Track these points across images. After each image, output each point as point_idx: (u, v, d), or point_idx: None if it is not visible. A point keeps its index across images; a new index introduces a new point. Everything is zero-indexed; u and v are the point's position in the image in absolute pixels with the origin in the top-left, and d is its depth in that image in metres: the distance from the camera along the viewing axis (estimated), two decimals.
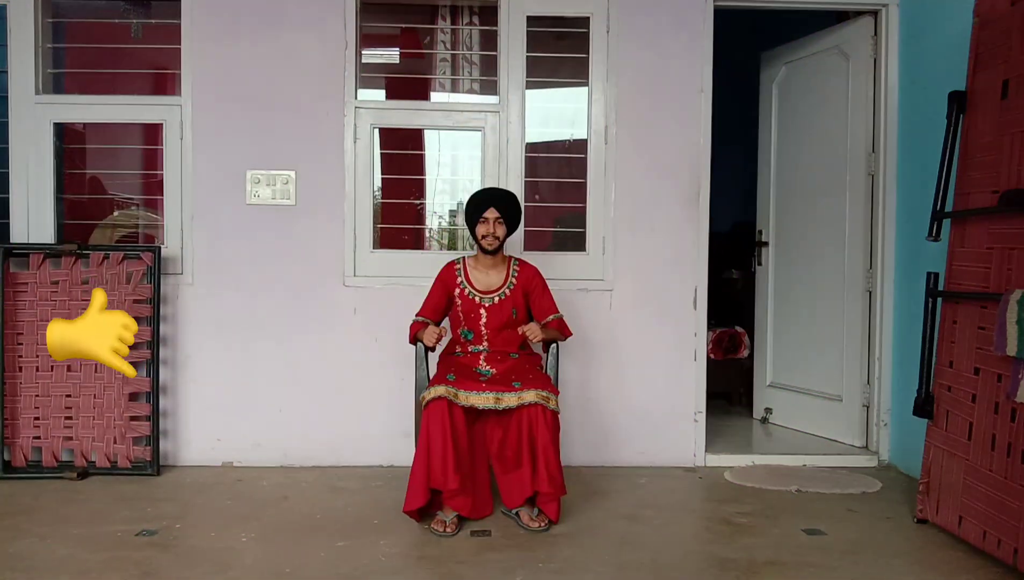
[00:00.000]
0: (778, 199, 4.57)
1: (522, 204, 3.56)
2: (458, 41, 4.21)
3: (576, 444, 3.81)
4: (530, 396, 2.98)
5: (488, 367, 3.24)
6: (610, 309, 3.87)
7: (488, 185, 3.80)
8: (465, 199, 3.91)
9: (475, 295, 3.29)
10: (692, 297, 3.88)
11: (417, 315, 3.32)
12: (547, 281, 3.38)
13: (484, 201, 3.26)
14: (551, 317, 3.31)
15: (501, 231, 3.24)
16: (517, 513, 3.00)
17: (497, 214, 3.22)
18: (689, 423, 3.89)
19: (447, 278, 3.34)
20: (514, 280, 3.32)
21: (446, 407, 2.93)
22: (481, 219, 3.23)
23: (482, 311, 3.28)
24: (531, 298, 3.34)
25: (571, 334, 3.41)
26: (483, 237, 3.23)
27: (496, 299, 3.28)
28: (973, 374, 2.84)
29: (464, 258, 3.38)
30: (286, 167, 3.80)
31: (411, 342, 3.30)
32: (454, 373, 3.10)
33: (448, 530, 2.89)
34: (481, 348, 3.28)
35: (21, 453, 3.61)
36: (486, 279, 3.32)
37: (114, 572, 2.52)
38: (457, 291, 3.31)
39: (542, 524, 2.94)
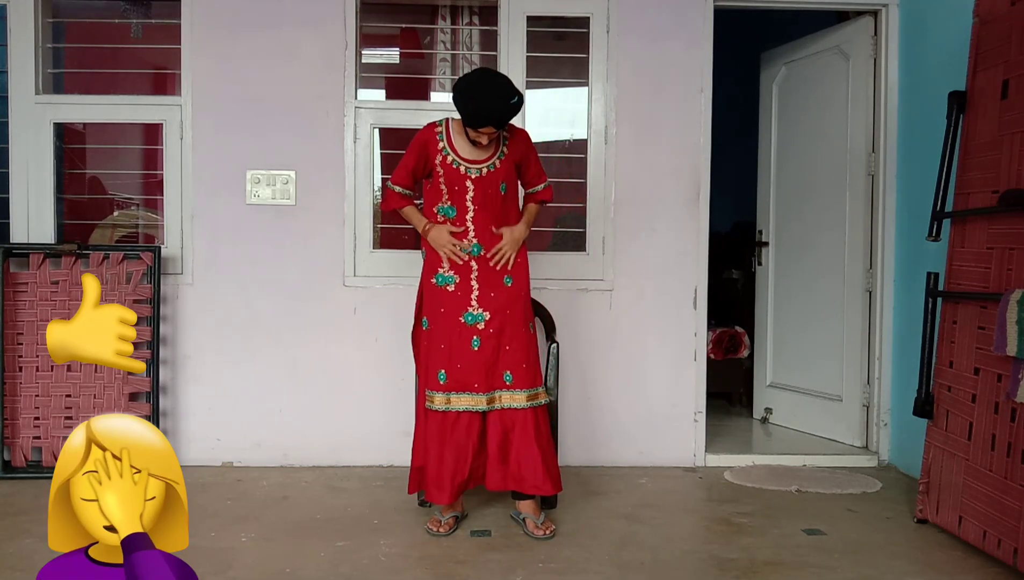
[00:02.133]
0: (778, 199, 4.57)
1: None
2: (458, 41, 4.21)
3: (576, 444, 3.81)
4: (520, 399, 2.85)
5: (480, 310, 2.87)
6: (610, 309, 3.87)
7: None
8: None
9: (460, 164, 2.84)
10: (692, 297, 3.88)
11: (392, 182, 2.92)
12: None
13: (481, 118, 2.71)
14: (539, 187, 3.02)
15: (492, 138, 2.82)
16: (524, 520, 2.89)
17: (493, 131, 2.76)
18: (689, 423, 3.89)
19: (428, 141, 2.87)
20: (505, 149, 2.90)
21: (444, 420, 2.86)
22: (474, 131, 2.78)
23: (468, 184, 2.85)
24: (521, 169, 2.97)
25: (551, 198, 3.08)
26: (473, 142, 2.82)
27: (484, 171, 2.85)
28: (973, 374, 2.84)
29: (448, 120, 2.93)
30: (286, 167, 3.80)
31: (385, 208, 2.99)
32: (445, 358, 2.85)
33: (443, 530, 2.87)
34: (467, 246, 2.87)
35: (21, 453, 3.61)
36: (473, 147, 2.85)
37: None
38: (439, 159, 2.86)
39: (547, 531, 2.84)
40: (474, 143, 2.82)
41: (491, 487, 2.88)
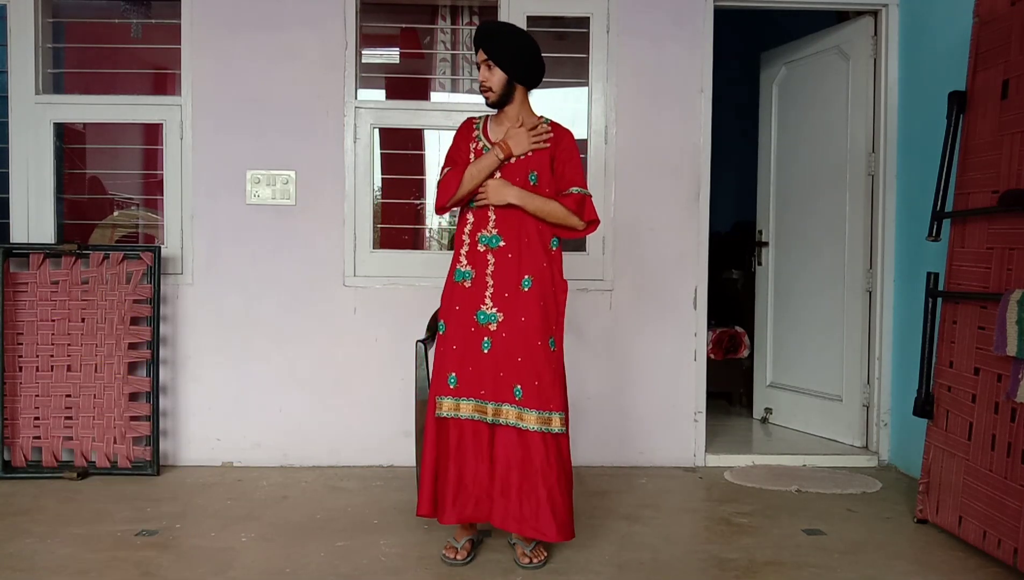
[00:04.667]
0: (778, 199, 4.57)
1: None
2: (458, 41, 4.21)
3: (577, 444, 3.78)
4: (530, 420, 2.56)
5: (494, 309, 2.64)
6: (610, 309, 3.87)
7: None
8: None
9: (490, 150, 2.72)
10: (692, 297, 3.88)
11: (444, 167, 2.78)
12: None
13: (474, 40, 2.67)
14: (571, 190, 2.67)
15: (497, 79, 2.64)
16: (514, 545, 2.68)
17: (485, 56, 2.63)
18: (689, 423, 3.89)
19: (465, 132, 2.80)
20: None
21: (451, 427, 2.65)
22: (477, 64, 2.67)
23: (496, 172, 2.68)
24: (555, 164, 2.71)
25: (592, 223, 2.69)
26: (480, 86, 2.70)
27: (513, 158, 2.68)
28: (973, 374, 2.84)
29: (488, 116, 2.83)
30: (286, 167, 3.80)
31: (440, 208, 2.74)
32: (457, 360, 2.66)
33: (459, 557, 2.64)
34: (487, 236, 2.67)
35: (21, 453, 3.61)
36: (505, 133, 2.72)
37: (114, 572, 2.52)
38: (472, 146, 2.75)
39: (537, 560, 2.59)
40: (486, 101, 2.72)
41: (496, 523, 2.61)
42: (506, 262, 2.65)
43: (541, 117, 2.77)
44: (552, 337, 2.65)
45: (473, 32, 2.80)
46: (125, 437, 3.63)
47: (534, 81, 2.73)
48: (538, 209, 2.65)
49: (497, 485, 2.59)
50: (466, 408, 2.63)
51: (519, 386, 2.59)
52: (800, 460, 3.91)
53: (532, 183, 2.67)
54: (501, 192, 2.65)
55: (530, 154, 2.67)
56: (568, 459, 2.65)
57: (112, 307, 3.65)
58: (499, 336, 2.63)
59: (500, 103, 2.68)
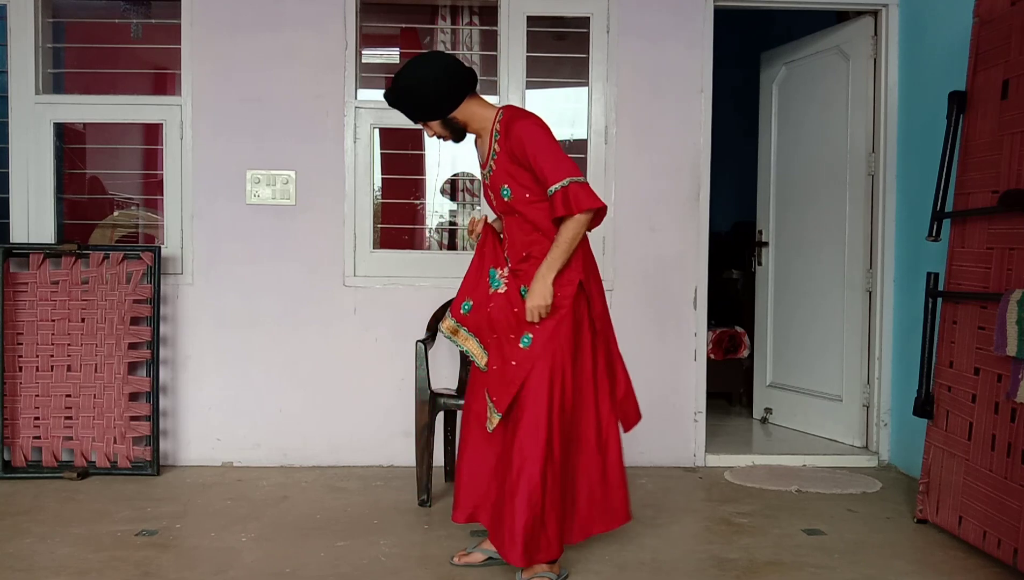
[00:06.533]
0: (778, 199, 4.57)
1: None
2: (458, 41, 4.21)
3: None
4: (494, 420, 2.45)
5: (467, 298, 2.61)
6: (610, 309, 3.85)
7: None
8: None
9: (480, 172, 2.60)
10: (692, 297, 3.88)
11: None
12: None
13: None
14: (549, 193, 2.34)
15: (436, 128, 2.47)
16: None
17: (412, 122, 2.52)
18: (689, 423, 3.89)
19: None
20: (497, 146, 2.43)
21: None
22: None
23: (489, 192, 2.55)
24: (528, 168, 2.38)
25: (587, 211, 2.35)
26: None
27: (488, 175, 2.51)
28: (973, 374, 2.84)
29: None
30: (286, 167, 3.80)
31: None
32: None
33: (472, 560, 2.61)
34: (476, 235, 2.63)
35: (21, 453, 3.61)
36: (482, 148, 2.54)
37: (114, 572, 2.52)
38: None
39: None
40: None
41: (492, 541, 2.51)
42: (484, 255, 2.58)
43: (498, 111, 2.47)
44: (528, 333, 2.41)
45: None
46: (125, 437, 3.63)
47: (466, 91, 2.43)
48: (567, 253, 2.43)
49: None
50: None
51: (487, 387, 2.48)
52: (800, 460, 3.91)
53: (506, 198, 2.44)
54: (538, 300, 2.39)
55: (494, 168, 2.44)
56: (535, 472, 2.32)
57: (112, 307, 3.65)
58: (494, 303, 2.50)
59: (461, 136, 2.51)
